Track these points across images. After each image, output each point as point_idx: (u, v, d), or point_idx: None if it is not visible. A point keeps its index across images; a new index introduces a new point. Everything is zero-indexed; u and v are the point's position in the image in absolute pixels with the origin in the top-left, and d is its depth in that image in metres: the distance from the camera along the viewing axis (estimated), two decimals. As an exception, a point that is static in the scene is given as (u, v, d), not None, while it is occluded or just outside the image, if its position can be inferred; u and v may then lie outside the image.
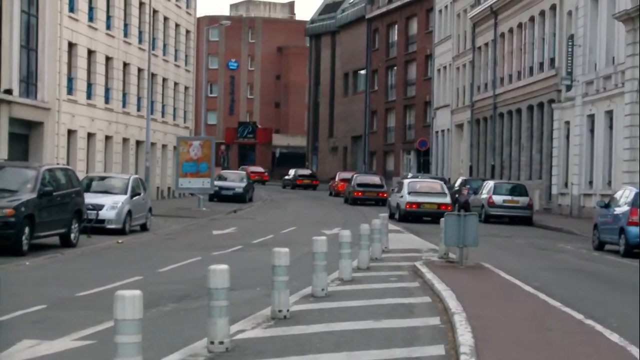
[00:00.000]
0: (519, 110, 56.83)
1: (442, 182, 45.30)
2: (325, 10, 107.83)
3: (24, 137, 38.82)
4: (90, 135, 45.56)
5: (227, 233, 32.18)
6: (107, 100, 48.03)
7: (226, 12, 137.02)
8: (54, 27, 40.01)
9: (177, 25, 60.80)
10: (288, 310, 13.36)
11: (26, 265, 20.51)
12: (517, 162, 56.87)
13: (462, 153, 69.77)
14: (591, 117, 45.21)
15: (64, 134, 42.08)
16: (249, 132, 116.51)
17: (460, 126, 70.29)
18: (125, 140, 50.62)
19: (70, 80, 42.91)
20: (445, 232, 20.61)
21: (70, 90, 42.82)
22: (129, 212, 29.97)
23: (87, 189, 29.46)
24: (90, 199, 28.05)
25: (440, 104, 74.50)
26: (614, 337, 11.99)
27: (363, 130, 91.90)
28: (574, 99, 46.99)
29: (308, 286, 16.06)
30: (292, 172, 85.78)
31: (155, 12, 55.12)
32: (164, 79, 58.13)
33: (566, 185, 48.65)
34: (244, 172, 62.06)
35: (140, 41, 52.59)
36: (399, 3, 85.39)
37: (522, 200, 43.75)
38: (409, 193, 41.38)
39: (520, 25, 57.04)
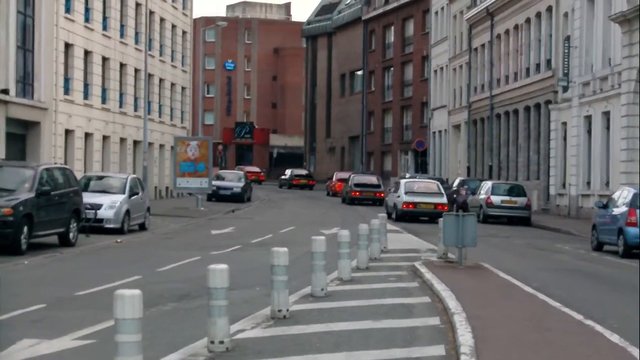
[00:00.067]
0: (516, 111, 56.84)
1: (438, 182, 45.40)
2: (322, 11, 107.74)
3: (21, 137, 38.78)
4: (87, 135, 45.52)
5: (225, 233, 32.19)
6: (104, 101, 48.00)
7: (222, 13, 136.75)
8: (50, 27, 39.97)
9: (173, 26, 60.79)
10: (287, 310, 13.35)
11: (25, 265, 20.48)
12: (515, 162, 56.88)
13: (459, 154, 69.78)
14: (588, 118, 45.23)
15: (61, 133, 42.05)
16: (247, 133, 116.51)
17: (457, 127, 70.30)
18: (122, 140, 50.58)
19: (67, 80, 42.88)
20: (444, 232, 20.63)
21: (67, 91, 42.80)
22: (127, 212, 29.96)
23: (85, 188, 29.41)
24: (88, 198, 28.03)
25: (437, 104, 74.51)
26: (614, 338, 11.97)
27: (360, 130, 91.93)
28: (571, 100, 47.00)
29: (307, 286, 16.04)
30: (288, 172, 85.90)
31: (151, 13, 55.13)
32: (161, 80, 58.10)
33: (564, 185, 48.67)
34: (242, 172, 62.14)
35: (136, 42, 52.57)
36: (395, 4, 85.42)
37: (520, 200, 43.76)
38: (406, 193, 41.58)
39: (516, 27, 57.04)
